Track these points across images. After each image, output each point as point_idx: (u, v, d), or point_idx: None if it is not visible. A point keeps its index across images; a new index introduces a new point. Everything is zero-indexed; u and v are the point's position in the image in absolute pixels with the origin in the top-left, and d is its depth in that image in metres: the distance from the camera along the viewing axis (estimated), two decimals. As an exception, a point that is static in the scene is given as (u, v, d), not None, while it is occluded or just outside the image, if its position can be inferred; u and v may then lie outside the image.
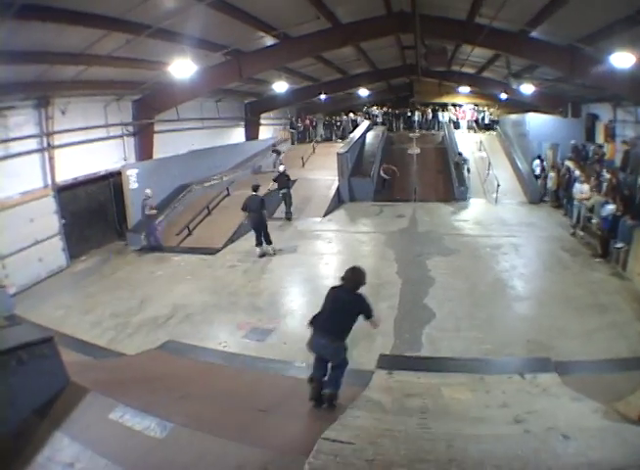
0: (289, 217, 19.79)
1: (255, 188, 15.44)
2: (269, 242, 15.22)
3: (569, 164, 20.98)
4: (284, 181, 19.71)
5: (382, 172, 24.43)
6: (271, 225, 15.86)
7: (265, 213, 15.23)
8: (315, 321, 6.55)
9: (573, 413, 5.75)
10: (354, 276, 6.57)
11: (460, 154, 25.25)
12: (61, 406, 5.31)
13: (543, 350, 8.54)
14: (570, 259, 13.77)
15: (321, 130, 38.59)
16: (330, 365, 6.49)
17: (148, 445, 4.83)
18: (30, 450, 4.70)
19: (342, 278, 6.63)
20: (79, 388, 5.62)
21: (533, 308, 10.75)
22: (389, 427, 5.17)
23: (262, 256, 14.98)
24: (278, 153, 28.17)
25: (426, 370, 7.71)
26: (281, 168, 20.46)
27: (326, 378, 6.46)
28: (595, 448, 4.31)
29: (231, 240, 16.65)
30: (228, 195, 21.07)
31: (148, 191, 16.79)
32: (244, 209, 15.02)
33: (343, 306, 6.42)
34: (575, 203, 16.34)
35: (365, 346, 8.88)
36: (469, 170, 24.58)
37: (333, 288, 6.70)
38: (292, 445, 4.83)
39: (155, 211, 17.02)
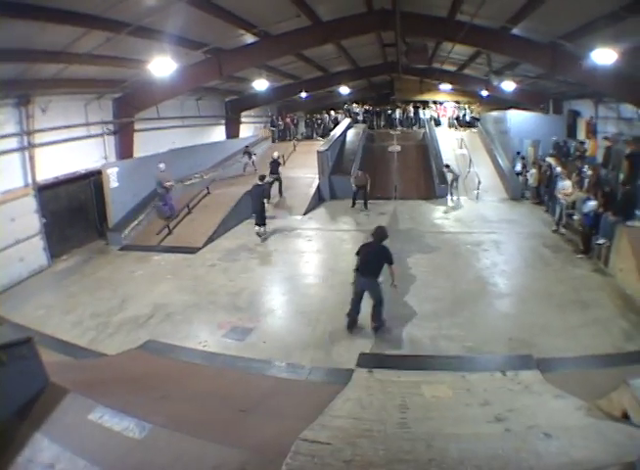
0: (280, 193, 22.12)
1: (262, 178, 17.16)
2: (264, 223, 16.81)
3: (550, 160, 21.11)
4: (275, 168, 22.11)
5: (352, 180, 21.77)
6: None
7: (265, 201, 16.77)
8: (358, 268, 9.39)
9: (556, 411, 5.74)
10: (379, 233, 9.61)
11: (448, 166, 23.17)
12: (41, 407, 5.25)
13: (525, 347, 8.59)
14: (551, 256, 13.89)
15: (302, 128, 38.74)
16: (372, 305, 9.39)
17: (127, 445, 4.78)
18: (11, 452, 4.65)
19: (372, 234, 9.77)
20: (59, 388, 5.56)
21: (515, 306, 10.82)
22: (368, 427, 5.14)
23: (260, 235, 16.75)
24: (250, 155, 27.16)
25: (406, 368, 7.70)
26: (275, 155, 22.27)
27: (370, 316, 9.49)
28: (578, 447, 4.27)
29: (211, 239, 16.59)
30: (208, 193, 20.81)
31: (161, 165, 18.41)
32: (249, 194, 17.29)
33: (375, 257, 9.32)
34: (559, 199, 16.40)
35: (345, 344, 8.96)
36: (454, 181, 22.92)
37: (364, 244, 9.84)
38: (270, 445, 4.80)
39: (172, 183, 18.82)
